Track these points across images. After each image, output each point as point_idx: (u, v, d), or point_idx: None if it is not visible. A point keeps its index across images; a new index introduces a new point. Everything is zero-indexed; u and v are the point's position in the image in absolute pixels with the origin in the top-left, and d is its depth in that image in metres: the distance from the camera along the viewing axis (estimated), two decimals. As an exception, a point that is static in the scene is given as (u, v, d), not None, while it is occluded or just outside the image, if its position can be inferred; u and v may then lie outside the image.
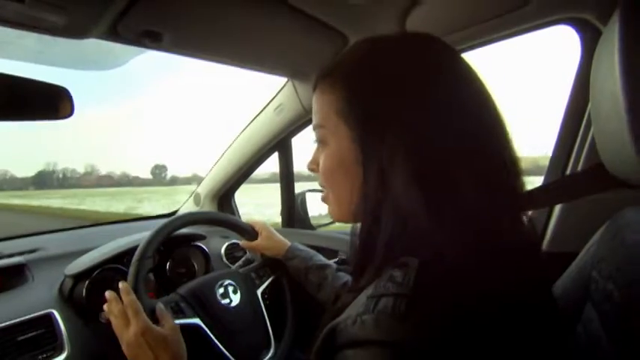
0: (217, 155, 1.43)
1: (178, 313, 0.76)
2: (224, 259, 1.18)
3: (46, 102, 0.70)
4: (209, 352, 0.76)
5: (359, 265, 0.42)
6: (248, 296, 0.87)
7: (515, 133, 0.41)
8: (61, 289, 0.89)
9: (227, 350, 0.77)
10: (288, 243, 0.93)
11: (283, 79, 1.18)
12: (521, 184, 0.42)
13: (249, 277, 0.91)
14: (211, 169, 1.45)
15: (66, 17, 0.65)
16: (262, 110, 1.26)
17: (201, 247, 1.09)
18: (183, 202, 1.60)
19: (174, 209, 1.61)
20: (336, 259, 1.12)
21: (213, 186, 1.45)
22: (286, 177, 1.39)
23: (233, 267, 1.07)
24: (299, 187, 1.41)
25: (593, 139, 0.81)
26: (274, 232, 0.95)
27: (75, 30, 0.71)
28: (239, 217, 1.50)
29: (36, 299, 0.85)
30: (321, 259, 0.90)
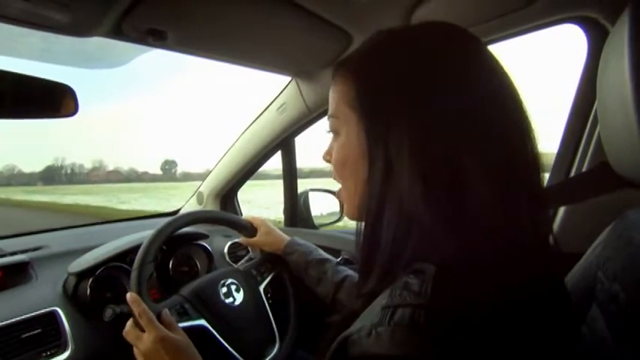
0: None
1: (183, 315, 0.76)
2: (227, 257, 1.18)
3: (50, 100, 0.70)
4: (216, 351, 0.76)
5: (365, 266, 0.41)
6: (251, 293, 0.87)
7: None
8: (64, 287, 0.89)
9: (233, 348, 0.77)
10: (288, 238, 0.93)
11: (287, 78, 1.18)
12: (541, 180, 0.40)
13: (250, 274, 0.91)
14: (214, 168, 1.45)
15: (70, 15, 0.65)
16: (265, 109, 1.26)
17: (203, 245, 1.10)
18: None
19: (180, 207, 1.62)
20: (338, 259, 1.12)
21: (216, 185, 1.45)
22: (289, 176, 1.39)
23: (236, 266, 1.07)
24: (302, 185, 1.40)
25: (598, 138, 0.81)
26: (273, 227, 0.95)
27: (79, 28, 0.71)
28: (241, 215, 1.50)
29: (39, 297, 0.85)
30: (320, 253, 0.90)
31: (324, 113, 1.20)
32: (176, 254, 1.04)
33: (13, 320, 0.75)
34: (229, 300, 0.83)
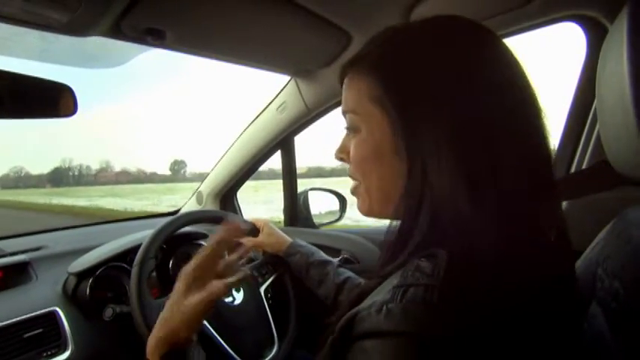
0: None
1: None
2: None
3: (49, 100, 0.70)
4: (213, 350, 0.76)
5: (391, 255, 0.40)
6: (251, 294, 0.88)
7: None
8: (64, 287, 0.89)
9: (231, 348, 0.77)
10: (290, 239, 0.94)
11: (286, 78, 1.18)
12: (553, 173, 0.41)
13: (251, 275, 0.91)
14: (214, 168, 1.45)
15: (69, 15, 0.65)
16: (265, 109, 1.26)
17: (204, 245, 1.09)
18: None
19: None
20: (339, 258, 1.12)
21: (216, 185, 1.45)
22: (289, 175, 1.39)
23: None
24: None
25: (598, 136, 0.81)
26: (275, 228, 0.96)
27: (78, 28, 0.70)
28: (242, 215, 1.50)
29: (40, 297, 0.85)
30: (322, 255, 0.91)
31: (323, 112, 1.21)
32: (176, 254, 1.04)
33: (13, 320, 0.76)
34: (229, 299, 0.83)
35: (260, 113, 1.28)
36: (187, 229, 0.92)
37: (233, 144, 1.37)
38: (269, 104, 1.25)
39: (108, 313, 0.74)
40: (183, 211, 1.56)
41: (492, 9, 0.81)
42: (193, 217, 0.88)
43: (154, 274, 0.99)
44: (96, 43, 0.79)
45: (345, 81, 0.45)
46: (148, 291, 0.73)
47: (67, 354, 0.77)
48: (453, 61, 0.38)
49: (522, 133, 0.38)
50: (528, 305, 0.33)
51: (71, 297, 0.87)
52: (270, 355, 0.83)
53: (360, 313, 0.34)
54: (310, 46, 0.96)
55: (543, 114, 0.39)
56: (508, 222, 0.35)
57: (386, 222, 0.43)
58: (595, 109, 0.80)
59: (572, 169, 0.86)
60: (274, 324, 0.88)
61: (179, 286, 0.54)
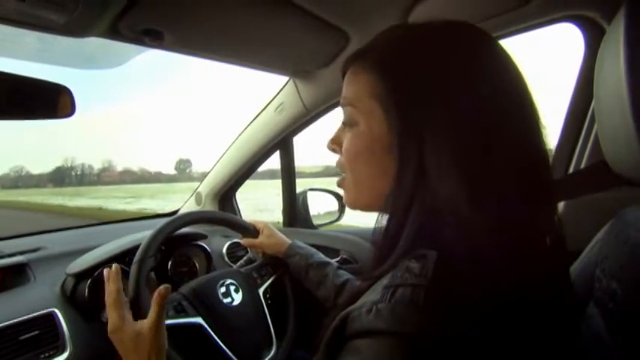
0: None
1: (181, 312, 0.76)
2: (225, 258, 1.18)
3: (47, 101, 0.70)
4: (211, 351, 0.76)
5: (381, 254, 0.40)
6: (250, 295, 0.87)
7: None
8: (62, 288, 0.89)
9: (229, 349, 0.77)
10: (289, 241, 0.94)
11: (285, 78, 1.18)
12: (550, 176, 0.41)
13: (250, 276, 0.91)
14: (212, 169, 1.45)
15: (67, 16, 0.65)
16: (263, 109, 1.26)
17: (202, 246, 1.09)
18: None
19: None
20: (337, 259, 1.12)
21: (215, 185, 1.45)
22: (288, 176, 1.39)
23: (234, 266, 1.07)
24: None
25: (596, 136, 0.81)
26: (275, 230, 0.96)
27: (76, 29, 0.70)
28: (240, 216, 1.50)
29: (38, 298, 0.85)
30: (321, 257, 0.91)
31: (322, 113, 1.21)
32: (175, 254, 1.04)
33: (11, 322, 0.75)
34: (227, 300, 0.83)
35: (258, 114, 1.28)
36: (186, 229, 0.92)
37: (231, 145, 1.36)
38: (267, 105, 1.25)
39: (106, 314, 0.74)
40: (181, 211, 1.56)
41: (490, 10, 0.81)
42: (192, 218, 0.88)
43: (154, 276, 0.99)
44: (94, 44, 0.79)
45: (347, 74, 0.45)
46: (146, 290, 0.73)
47: (65, 355, 0.77)
48: (453, 65, 0.38)
49: (520, 135, 0.38)
50: (522, 307, 0.33)
51: (69, 298, 0.87)
52: (269, 356, 0.83)
53: (352, 314, 0.34)
54: (308, 47, 0.96)
55: (541, 116, 0.39)
56: (507, 224, 0.35)
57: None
58: (593, 109, 0.80)
59: (571, 170, 0.87)
60: (273, 325, 0.88)
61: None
